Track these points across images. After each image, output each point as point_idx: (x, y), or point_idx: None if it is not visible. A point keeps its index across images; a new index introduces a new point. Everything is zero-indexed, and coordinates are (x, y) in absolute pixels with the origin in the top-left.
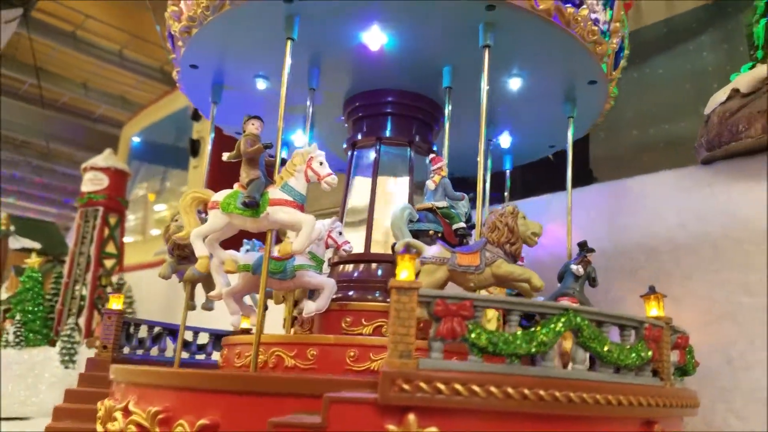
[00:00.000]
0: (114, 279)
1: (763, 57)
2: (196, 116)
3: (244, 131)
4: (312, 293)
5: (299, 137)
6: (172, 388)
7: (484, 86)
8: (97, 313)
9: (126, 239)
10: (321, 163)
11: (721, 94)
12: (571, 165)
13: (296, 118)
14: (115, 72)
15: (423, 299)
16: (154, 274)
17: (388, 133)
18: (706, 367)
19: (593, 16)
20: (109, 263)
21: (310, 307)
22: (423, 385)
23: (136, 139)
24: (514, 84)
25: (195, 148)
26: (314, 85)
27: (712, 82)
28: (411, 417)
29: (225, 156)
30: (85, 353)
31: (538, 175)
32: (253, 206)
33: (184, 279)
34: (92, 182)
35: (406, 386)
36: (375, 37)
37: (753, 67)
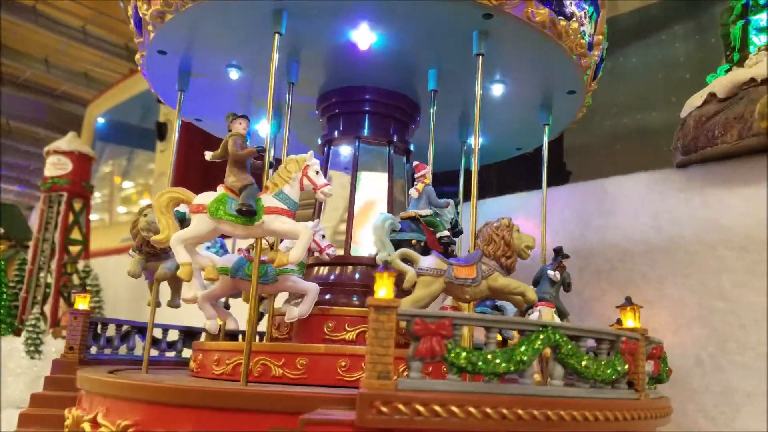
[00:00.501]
0: (80, 266)
1: (739, 60)
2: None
3: (230, 130)
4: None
5: (263, 126)
6: (143, 401)
7: (478, 92)
8: (63, 301)
9: (91, 216)
10: (317, 172)
11: (698, 98)
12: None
13: (261, 107)
14: (79, 48)
15: (402, 318)
16: (120, 261)
17: (366, 132)
18: (677, 369)
19: (582, 29)
20: (74, 249)
21: (293, 313)
22: (401, 407)
23: (101, 120)
24: (496, 90)
25: (162, 131)
26: (293, 79)
27: (684, 73)
28: None
29: (208, 155)
30: (51, 343)
31: (510, 172)
32: (250, 215)
33: (156, 278)
34: (55, 166)
35: (384, 408)
36: (364, 36)
37: (729, 69)
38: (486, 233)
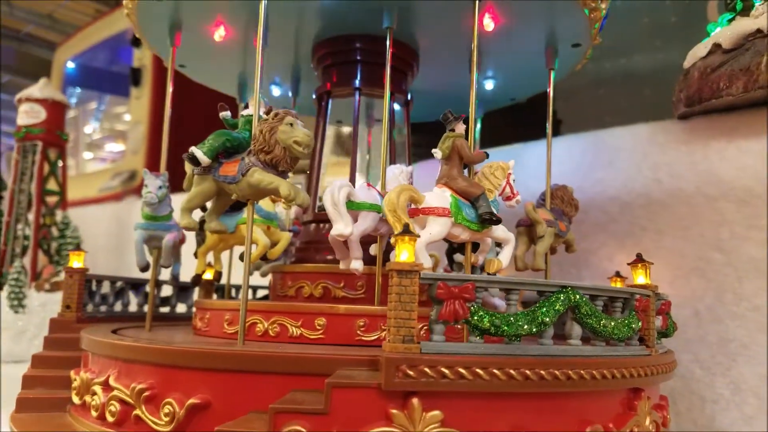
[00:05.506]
0: (58, 218)
1: (742, 9)
2: (136, 42)
3: (453, 129)
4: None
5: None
6: (158, 364)
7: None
8: (43, 254)
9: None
10: (514, 180)
11: (702, 48)
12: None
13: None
14: None
15: (425, 281)
16: (98, 211)
17: (367, 82)
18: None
19: None
20: (50, 200)
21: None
22: (427, 370)
23: (71, 65)
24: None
25: (137, 77)
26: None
27: (670, 16)
28: (415, 401)
29: (438, 154)
30: (33, 297)
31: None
32: (497, 224)
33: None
34: (28, 115)
35: (410, 372)
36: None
37: (732, 19)
38: (566, 197)
